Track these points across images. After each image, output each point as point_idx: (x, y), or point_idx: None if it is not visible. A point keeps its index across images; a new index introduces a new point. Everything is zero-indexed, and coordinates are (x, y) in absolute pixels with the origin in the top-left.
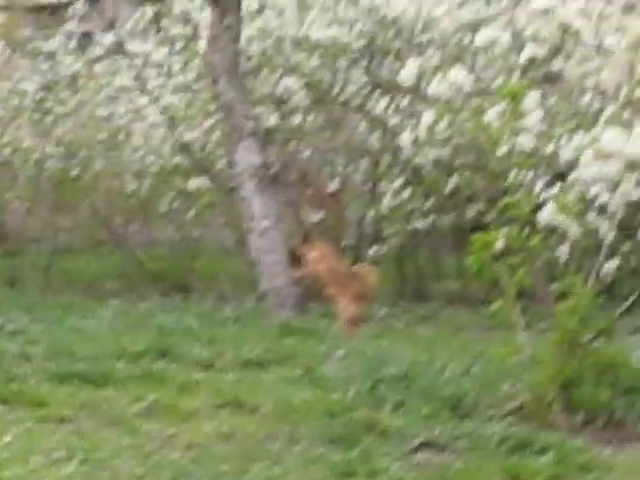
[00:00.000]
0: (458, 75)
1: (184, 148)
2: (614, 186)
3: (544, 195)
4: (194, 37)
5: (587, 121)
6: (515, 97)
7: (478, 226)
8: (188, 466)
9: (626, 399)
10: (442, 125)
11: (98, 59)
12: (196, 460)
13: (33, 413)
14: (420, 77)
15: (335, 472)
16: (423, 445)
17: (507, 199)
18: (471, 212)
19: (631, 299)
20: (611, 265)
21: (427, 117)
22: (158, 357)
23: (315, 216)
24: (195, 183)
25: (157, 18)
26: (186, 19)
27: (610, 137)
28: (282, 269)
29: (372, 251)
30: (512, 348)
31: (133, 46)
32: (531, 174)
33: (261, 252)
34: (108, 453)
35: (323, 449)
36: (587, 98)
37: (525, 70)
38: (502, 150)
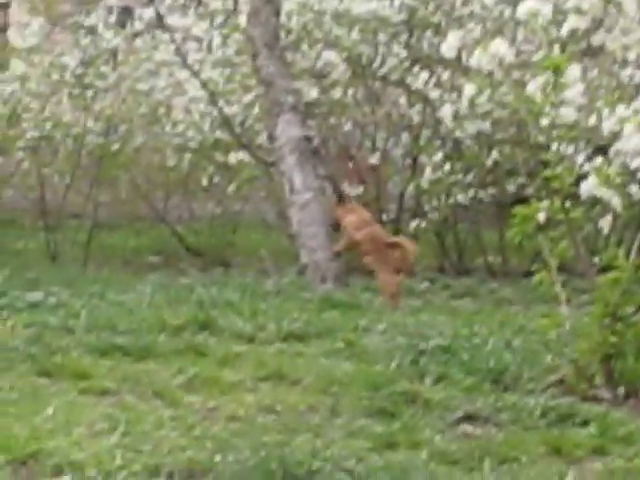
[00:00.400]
0: (499, 48)
1: (224, 122)
2: None
3: (586, 168)
4: (234, 11)
5: (629, 94)
6: (557, 69)
7: (519, 200)
8: (230, 438)
9: None
10: (483, 98)
11: (138, 34)
12: (238, 432)
13: (75, 386)
14: (461, 50)
15: (377, 444)
16: (465, 417)
17: (549, 172)
18: (512, 186)
19: None
20: None
21: (468, 90)
22: (199, 330)
23: (355, 190)
24: (235, 157)
25: None
26: None
27: None
28: (323, 242)
29: (412, 225)
30: (554, 321)
31: (173, 20)
32: (572, 147)
33: (302, 225)
34: (150, 425)
35: (365, 421)
36: (628, 71)
37: (566, 43)
38: (543, 123)
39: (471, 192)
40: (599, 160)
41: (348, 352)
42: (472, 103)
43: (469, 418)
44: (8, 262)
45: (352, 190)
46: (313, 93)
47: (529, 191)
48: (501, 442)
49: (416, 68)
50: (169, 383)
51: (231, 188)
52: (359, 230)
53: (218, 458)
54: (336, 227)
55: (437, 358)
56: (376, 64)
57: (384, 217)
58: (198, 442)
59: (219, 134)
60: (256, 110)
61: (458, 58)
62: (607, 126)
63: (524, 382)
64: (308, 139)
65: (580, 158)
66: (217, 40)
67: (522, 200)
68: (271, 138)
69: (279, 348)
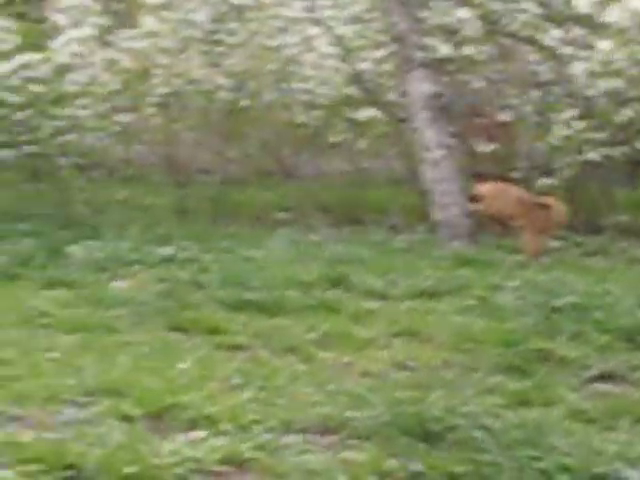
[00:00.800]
0: (637, 4)
1: (355, 79)
2: None
3: None
4: None
5: None
6: None
7: None
8: (364, 393)
9: None
10: (617, 55)
11: None
12: (372, 388)
13: (208, 340)
14: (595, 7)
15: (512, 401)
16: (600, 376)
17: None
18: None
19: None
20: None
21: (602, 47)
22: (330, 287)
23: (485, 147)
24: (366, 114)
25: None
26: None
27: None
28: (455, 199)
29: (542, 183)
30: None
31: None
32: None
33: (434, 182)
34: (284, 380)
35: (499, 378)
36: None
37: None
38: None
39: (602, 150)
40: None
41: (480, 309)
42: (606, 60)
43: (604, 376)
44: (138, 218)
45: (482, 147)
46: (444, 49)
47: None
48: (636, 401)
49: (548, 25)
50: (302, 339)
51: (361, 145)
52: (496, 199)
53: (352, 414)
54: (473, 199)
55: (570, 316)
56: (507, 20)
57: (514, 175)
58: (332, 397)
59: (350, 90)
60: (387, 66)
61: (592, 14)
62: None
63: None
64: (439, 96)
65: None
66: None
67: None
68: (402, 94)
69: (411, 305)
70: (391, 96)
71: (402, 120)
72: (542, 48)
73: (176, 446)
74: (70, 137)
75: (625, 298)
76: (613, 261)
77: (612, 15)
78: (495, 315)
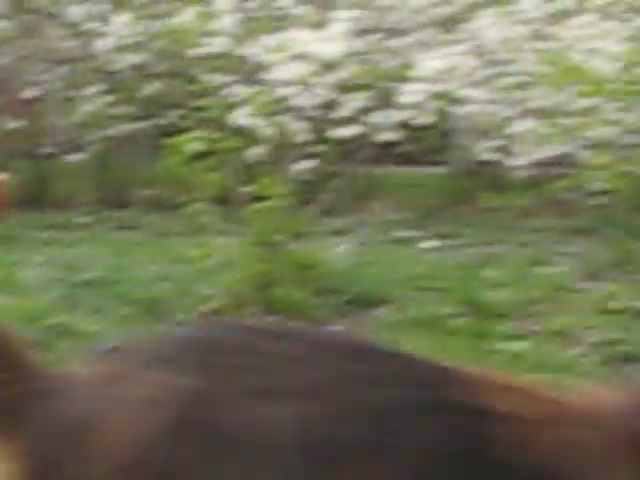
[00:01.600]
0: None
1: None
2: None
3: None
4: None
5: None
6: None
7: (178, 131)
8: None
9: (320, 298)
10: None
11: None
12: None
13: None
14: None
15: None
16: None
17: (200, 102)
18: (169, 118)
19: (326, 201)
20: (304, 166)
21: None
22: None
23: (11, 124)
24: None
25: None
26: None
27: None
28: None
29: (71, 158)
30: (206, 251)
31: None
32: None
33: None
34: None
35: None
36: None
37: None
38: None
39: (128, 126)
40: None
41: (3, 286)
42: (126, 35)
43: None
44: None
45: (8, 125)
46: None
47: (186, 123)
48: None
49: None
50: None
51: None
52: None
53: None
54: None
55: (91, 290)
56: None
57: (42, 151)
58: None
59: None
60: None
61: None
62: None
63: (178, 311)
64: None
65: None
66: None
67: (181, 132)
68: None
69: None
70: None
71: None
72: (66, 25)
73: None
74: None
75: (147, 270)
76: (141, 234)
77: None
78: (17, 292)
